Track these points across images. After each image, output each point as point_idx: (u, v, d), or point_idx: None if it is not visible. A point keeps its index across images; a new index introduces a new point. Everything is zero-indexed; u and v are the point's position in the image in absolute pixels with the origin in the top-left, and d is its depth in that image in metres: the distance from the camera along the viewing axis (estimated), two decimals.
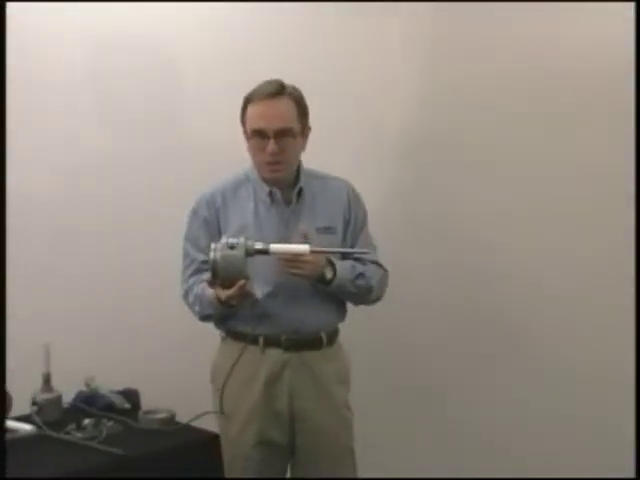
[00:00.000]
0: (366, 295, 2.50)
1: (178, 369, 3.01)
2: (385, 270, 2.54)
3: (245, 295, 2.25)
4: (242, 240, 2.18)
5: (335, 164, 2.58)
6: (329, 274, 2.39)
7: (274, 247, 2.23)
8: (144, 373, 2.87)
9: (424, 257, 2.88)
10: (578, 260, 2.62)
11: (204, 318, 2.45)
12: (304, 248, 2.23)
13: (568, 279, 2.65)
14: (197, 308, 2.43)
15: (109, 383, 2.67)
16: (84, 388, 2.72)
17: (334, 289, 2.42)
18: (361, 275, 2.47)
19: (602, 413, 2.58)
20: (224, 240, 2.19)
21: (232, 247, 2.16)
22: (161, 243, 2.81)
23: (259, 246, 2.21)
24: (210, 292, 2.31)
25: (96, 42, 3.04)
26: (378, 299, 2.55)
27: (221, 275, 2.18)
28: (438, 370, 2.90)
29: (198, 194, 2.53)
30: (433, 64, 2.79)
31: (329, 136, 2.68)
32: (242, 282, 2.20)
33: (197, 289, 2.42)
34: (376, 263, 2.53)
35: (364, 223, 2.55)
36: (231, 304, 2.28)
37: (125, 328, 3.08)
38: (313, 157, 2.49)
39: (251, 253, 2.20)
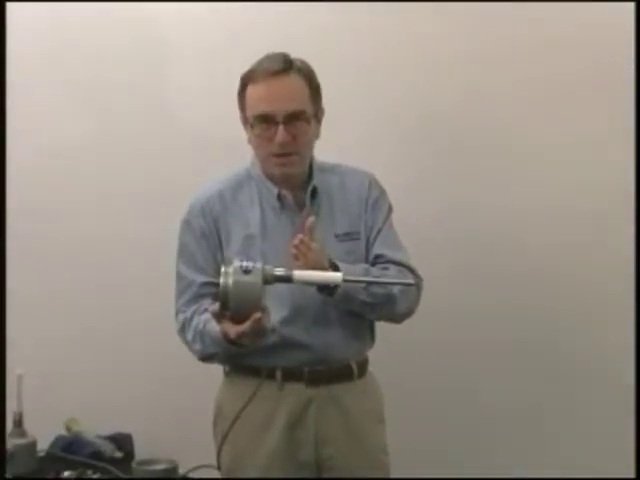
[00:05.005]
0: (388, 306, 2.21)
1: (179, 409, 2.86)
2: (418, 277, 2.27)
3: (260, 332, 2.03)
4: (259, 264, 1.99)
5: (346, 153, 2.46)
6: None
7: (299, 274, 2.02)
8: (139, 414, 2.80)
9: (442, 255, 2.75)
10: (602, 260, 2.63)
11: (206, 358, 2.24)
12: (336, 276, 2.02)
13: (594, 275, 2.66)
14: (197, 346, 2.21)
15: (95, 426, 2.59)
16: (64, 432, 2.62)
17: (341, 299, 2.15)
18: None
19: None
20: (237, 263, 1.99)
21: (247, 271, 1.97)
22: (153, 253, 2.75)
23: (280, 272, 2.01)
24: (214, 327, 2.09)
25: (78, 24, 2.95)
26: (409, 314, 2.28)
27: (232, 306, 1.98)
28: (454, 375, 2.80)
29: (190, 197, 2.32)
30: (451, 53, 2.76)
31: (340, 124, 2.54)
32: (258, 315, 1.97)
33: (197, 322, 2.21)
34: (407, 267, 2.26)
35: (385, 220, 2.32)
36: (242, 343, 2.07)
37: (116, 359, 2.95)
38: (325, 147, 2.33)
39: (270, 280, 2.00)
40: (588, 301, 2.67)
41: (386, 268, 2.22)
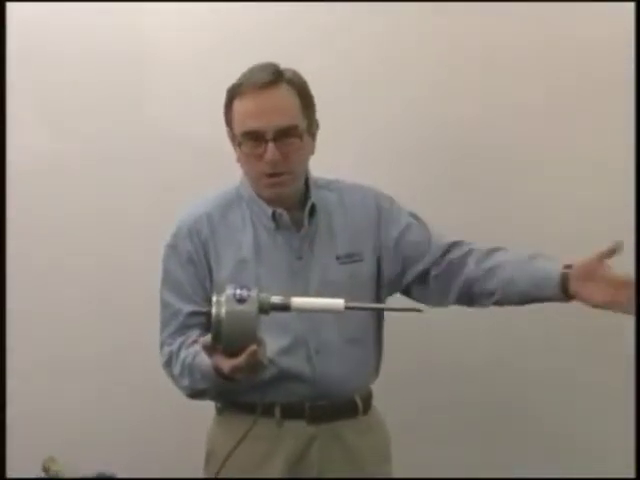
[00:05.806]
0: None
1: (167, 448, 2.82)
2: None
3: (256, 366, 1.95)
4: (254, 292, 1.91)
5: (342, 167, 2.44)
6: None
7: (297, 302, 1.94)
8: (123, 453, 2.77)
9: None
10: None
11: (195, 394, 2.15)
12: (338, 303, 1.93)
13: None
14: (186, 382, 2.12)
15: (76, 466, 2.55)
16: (42, 473, 2.60)
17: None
18: None
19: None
20: (230, 291, 1.90)
21: (241, 300, 1.89)
22: (143, 277, 2.54)
23: (277, 300, 1.93)
24: (204, 360, 2.00)
25: (77, 28, 2.88)
26: None
27: (226, 338, 1.89)
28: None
29: (176, 216, 2.23)
30: (450, 61, 2.76)
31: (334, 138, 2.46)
32: (253, 348, 1.88)
33: (185, 355, 2.12)
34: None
35: (418, 228, 2.24)
36: (235, 378, 1.98)
37: (99, 393, 2.87)
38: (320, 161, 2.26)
39: (266, 309, 1.92)
40: (588, 317, 2.58)
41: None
